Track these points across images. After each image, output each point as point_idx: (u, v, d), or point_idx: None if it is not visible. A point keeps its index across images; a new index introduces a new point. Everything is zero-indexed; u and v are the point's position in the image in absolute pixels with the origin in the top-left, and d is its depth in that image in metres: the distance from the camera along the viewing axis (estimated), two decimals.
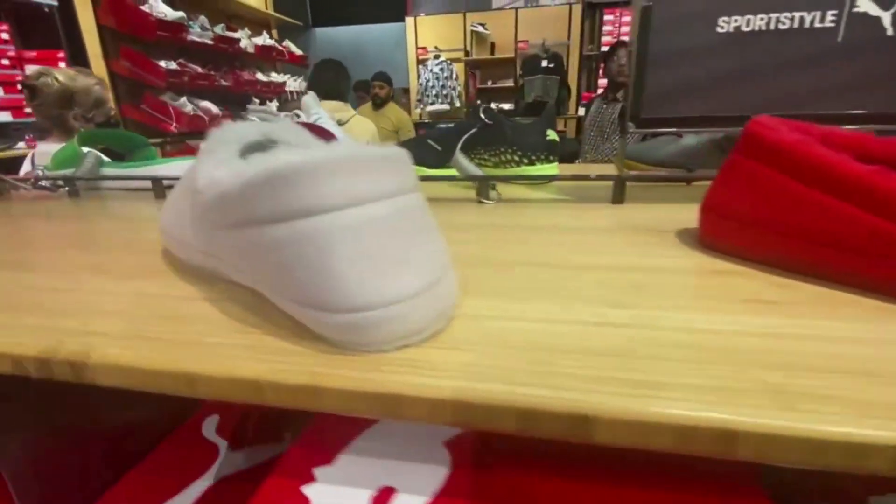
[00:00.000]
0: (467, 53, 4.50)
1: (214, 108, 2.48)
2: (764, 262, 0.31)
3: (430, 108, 4.43)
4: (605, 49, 4.32)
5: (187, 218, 0.27)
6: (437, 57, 4.36)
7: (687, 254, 0.33)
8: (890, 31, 0.40)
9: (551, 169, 0.63)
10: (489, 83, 4.55)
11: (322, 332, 0.21)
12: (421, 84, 4.46)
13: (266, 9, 3.36)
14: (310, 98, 0.76)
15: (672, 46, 0.44)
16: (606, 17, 4.37)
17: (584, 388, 0.18)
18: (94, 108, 1.30)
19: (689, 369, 0.19)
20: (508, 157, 0.63)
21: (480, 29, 4.41)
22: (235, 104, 2.76)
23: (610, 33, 4.40)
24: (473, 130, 0.64)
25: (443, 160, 0.68)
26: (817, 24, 0.41)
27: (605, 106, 2.27)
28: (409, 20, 4.51)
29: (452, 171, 0.67)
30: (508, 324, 0.23)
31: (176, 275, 0.31)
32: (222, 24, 2.62)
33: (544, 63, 4.24)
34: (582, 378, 0.19)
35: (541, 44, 4.23)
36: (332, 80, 1.90)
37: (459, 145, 0.64)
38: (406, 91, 4.61)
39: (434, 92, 4.39)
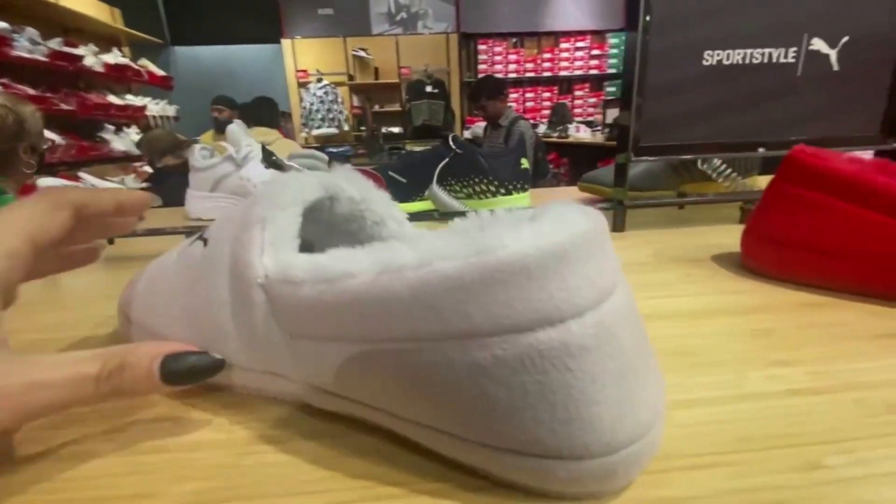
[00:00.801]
0: (351, 77, 4.43)
1: (56, 137, 2.04)
2: (807, 282, 0.32)
3: (316, 131, 4.25)
4: (485, 75, 4.61)
5: (231, 326, 0.18)
6: (319, 80, 4.22)
7: (760, 286, 0.33)
8: (836, 67, 0.46)
9: (524, 199, 0.61)
10: (376, 107, 4.53)
11: (544, 487, 0.14)
12: (304, 108, 4.26)
13: (115, 23, 2.91)
14: (236, 127, 0.64)
15: (665, 78, 0.45)
16: (480, 47, 4.68)
17: None
18: (40, 139, 1.03)
19: None
20: (483, 187, 0.60)
21: (362, 54, 4.38)
22: (83, 131, 2.32)
23: (484, 62, 4.71)
24: (446, 160, 0.59)
25: (409, 194, 0.61)
26: (782, 60, 0.46)
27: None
28: (286, 42, 4.30)
29: (424, 206, 0.61)
30: (707, 411, 0.19)
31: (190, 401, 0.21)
32: (59, 39, 2.19)
33: (428, 88, 4.37)
34: None
35: (423, 70, 4.36)
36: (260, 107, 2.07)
37: (435, 178, 0.59)
38: (287, 114, 4.36)
39: (320, 115, 4.23)
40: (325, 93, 4.21)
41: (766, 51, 0.45)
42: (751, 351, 0.24)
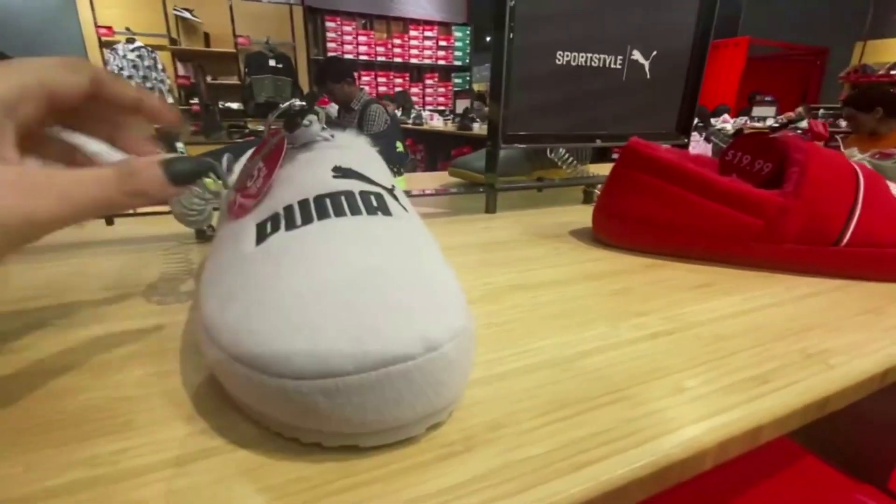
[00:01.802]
0: (174, 41, 3.80)
1: None
2: (645, 249, 0.40)
3: None
4: (331, 55, 4.42)
5: None
6: (130, 41, 3.52)
7: (612, 255, 0.39)
8: (649, 76, 0.57)
9: (401, 182, 0.62)
10: (209, 79, 3.98)
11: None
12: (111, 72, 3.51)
13: None
14: None
15: (526, 73, 0.49)
16: (328, 24, 4.46)
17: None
18: None
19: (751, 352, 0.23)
20: None
21: (187, 15, 3.79)
22: None
23: (333, 40, 4.52)
24: None
25: None
26: (612, 66, 0.54)
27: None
28: None
29: None
30: (598, 358, 0.23)
31: None
32: None
33: (272, 62, 4.02)
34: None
35: (265, 41, 3.98)
36: None
37: None
38: None
39: (134, 83, 3.53)
40: (140, 56, 3.54)
41: (602, 56, 0.53)
42: (615, 307, 0.28)
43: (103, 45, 3.56)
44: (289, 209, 0.21)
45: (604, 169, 0.70)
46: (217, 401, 0.19)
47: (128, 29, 3.54)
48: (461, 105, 3.45)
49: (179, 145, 2.07)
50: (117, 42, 3.52)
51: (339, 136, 0.28)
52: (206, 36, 3.93)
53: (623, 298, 0.30)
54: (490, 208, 0.53)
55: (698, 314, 0.28)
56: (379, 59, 4.69)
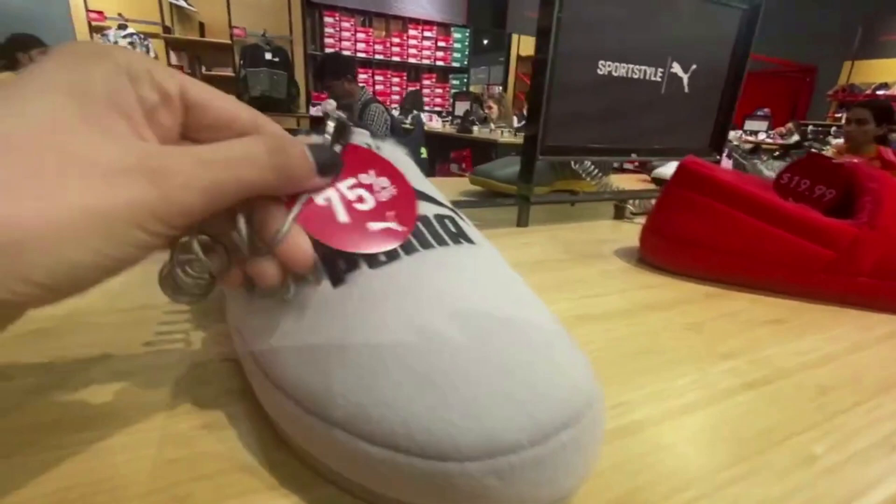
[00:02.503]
0: (167, 30, 3.71)
1: None
2: (698, 275, 0.37)
3: None
4: (328, 51, 4.36)
5: None
6: (122, 27, 3.42)
7: (667, 280, 0.37)
8: (687, 90, 0.55)
9: None
10: (203, 70, 3.89)
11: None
12: None
13: None
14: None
15: (567, 81, 0.47)
16: (327, 20, 4.40)
17: None
18: None
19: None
20: None
21: (182, 3, 3.70)
22: None
23: (332, 36, 4.46)
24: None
25: None
26: (652, 78, 0.52)
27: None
28: None
29: None
30: (703, 415, 0.20)
31: None
32: None
33: (268, 56, 3.94)
34: None
35: (261, 34, 3.91)
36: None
37: None
38: None
39: None
40: (132, 44, 3.44)
41: (643, 68, 0.51)
42: (695, 347, 0.26)
43: (93, 29, 3.45)
44: None
45: (620, 181, 0.68)
46: (297, 467, 0.16)
47: (120, 15, 3.44)
48: (461, 107, 3.42)
49: None
50: (108, 28, 3.42)
51: (383, 146, 0.25)
52: (201, 26, 3.84)
53: (699, 336, 0.27)
54: (522, 222, 0.51)
55: (785, 357, 0.25)
56: (377, 57, 4.64)
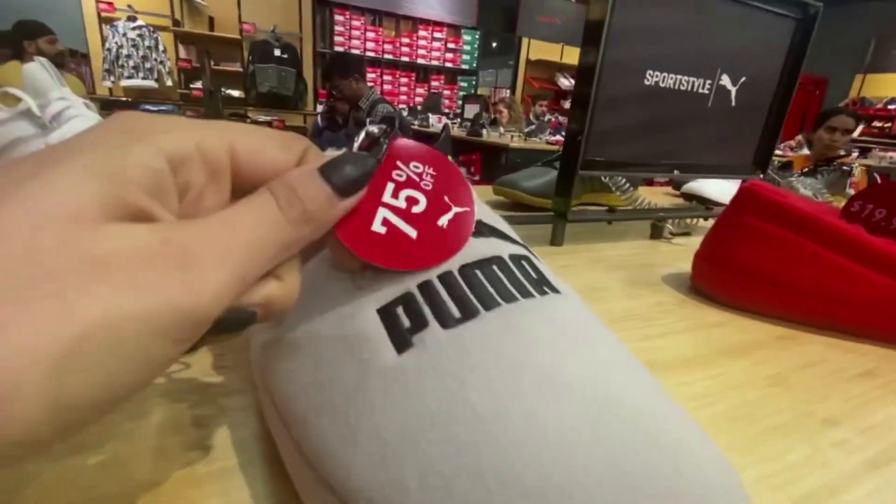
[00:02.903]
0: (177, 23, 3.68)
1: None
2: (762, 311, 0.34)
3: (126, 82, 3.43)
4: (337, 49, 4.33)
5: None
6: (132, 19, 3.39)
7: (729, 317, 0.33)
8: (734, 103, 0.51)
9: None
10: (211, 64, 3.86)
11: None
12: (109, 50, 3.39)
13: None
14: (39, 67, 0.42)
15: (613, 91, 0.43)
16: (337, 17, 4.37)
17: None
18: None
19: None
20: None
21: None
22: None
23: (341, 34, 4.44)
24: None
25: None
26: (700, 90, 0.49)
27: None
28: None
29: None
30: None
31: None
32: None
33: (277, 52, 3.92)
34: None
35: (271, 31, 3.88)
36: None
37: None
38: (80, 55, 3.42)
39: (132, 63, 3.41)
40: (141, 35, 3.41)
41: (691, 79, 0.47)
42: (792, 409, 0.23)
43: (103, 20, 3.43)
44: (427, 287, 0.15)
45: (647, 195, 0.65)
46: None
47: (129, 6, 3.41)
48: (470, 110, 3.38)
49: None
50: (117, 19, 3.39)
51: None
52: (211, 20, 3.82)
53: (787, 393, 0.24)
54: (557, 240, 0.47)
55: (893, 427, 0.22)
56: (386, 56, 4.61)
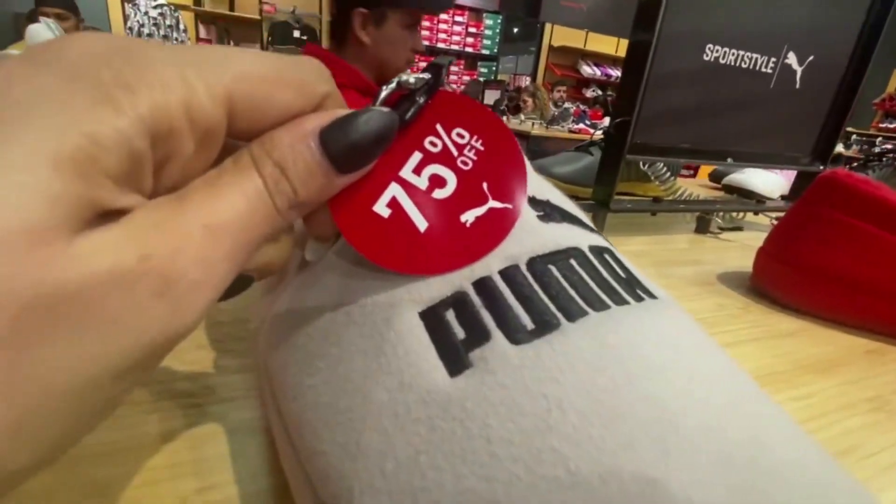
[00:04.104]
0: (198, 2, 3.66)
1: None
2: (837, 318, 0.30)
3: None
4: None
5: None
6: None
7: (803, 324, 0.29)
8: (798, 85, 0.46)
9: None
10: (231, 44, 3.85)
11: None
12: (130, 29, 3.39)
13: None
14: (44, 28, 0.39)
15: (670, 68, 0.39)
16: None
17: None
18: None
19: None
20: None
21: None
22: None
23: None
24: None
25: None
26: (763, 69, 0.44)
27: None
28: None
29: None
30: None
31: None
32: None
33: (297, 33, 3.89)
34: None
35: (291, 11, 3.85)
36: None
37: None
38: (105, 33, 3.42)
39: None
40: (162, 14, 3.40)
41: (755, 56, 0.42)
42: (891, 436, 0.19)
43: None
44: (485, 286, 0.11)
45: (689, 186, 0.60)
46: None
47: None
48: (491, 96, 3.31)
49: None
50: None
51: None
52: (231, 0, 3.79)
53: (892, 421, 0.20)
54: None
55: None
56: None
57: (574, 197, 0.47)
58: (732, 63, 0.42)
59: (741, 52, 0.42)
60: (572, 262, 0.12)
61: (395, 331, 0.11)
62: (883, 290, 0.28)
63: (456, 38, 4.74)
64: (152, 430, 0.15)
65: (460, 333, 0.11)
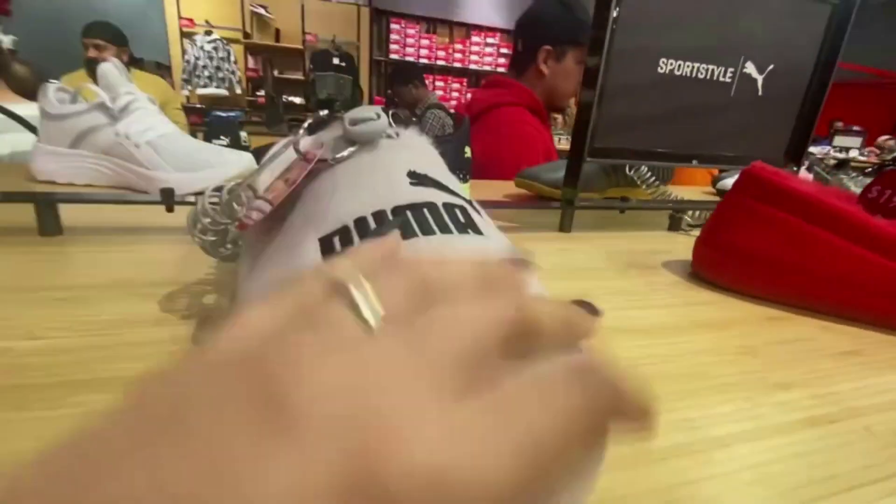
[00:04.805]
0: (247, 35, 3.98)
1: None
2: (758, 295, 0.33)
3: (201, 90, 3.75)
4: (392, 57, 4.48)
5: None
6: (208, 33, 3.71)
7: (720, 298, 0.33)
8: (761, 92, 0.50)
9: (465, 189, 0.58)
10: (275, 73, 4.13)
11: None
12: (188, 62, 3.72)
13: None
14: (111, 66, 0.49)
15: (623, 80, 0.44)
16: (393, 26, 4.53)
17: None
18: None
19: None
20: None
21: (262, 11, 3.95)
22: None
23: (396, 42, 4.58)
24: None
25: None
26: (721, 79, 0.48)
27: None
28: None
29: None
30: (745, 449, 0.17)
31: None
32: None
33: (336, 60, 4.11)
34: None
35: (331, 40, 4.09)
36: None
37: None
38: (164, 67, 3.78)
39: (207, 73, 3.73)
40: (215, 48, 3.72)
41: (710, 67, 0.47)
42: (746, 373, 0.23)
43: (184, 35, 3.77)
44: (361, 223, 0.18)
45: (680, 192, 0.63)
46: None
47: (207, 22, 3.73)
48: None
49: (243, 135, 2.13)
50: (196, 33, 3.72)
51: (404, 134, 0.23)
52: (277, 32, 4.09)
53: (752, 360, 0.24)
54: (565, 227, 0.48)
55: (857, 396, 0.22)
56: (439, 62, 4.70)
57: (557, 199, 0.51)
58: (689, 74, 0.46)
59: (695, 64, 0.46)
60: (424, 210, 0.18)
61: (299, 249, 0.17)
62: (793, 266, 0.32)
63: (488, 58, 4.86)
64: None
65: (339, 249, 0.17)
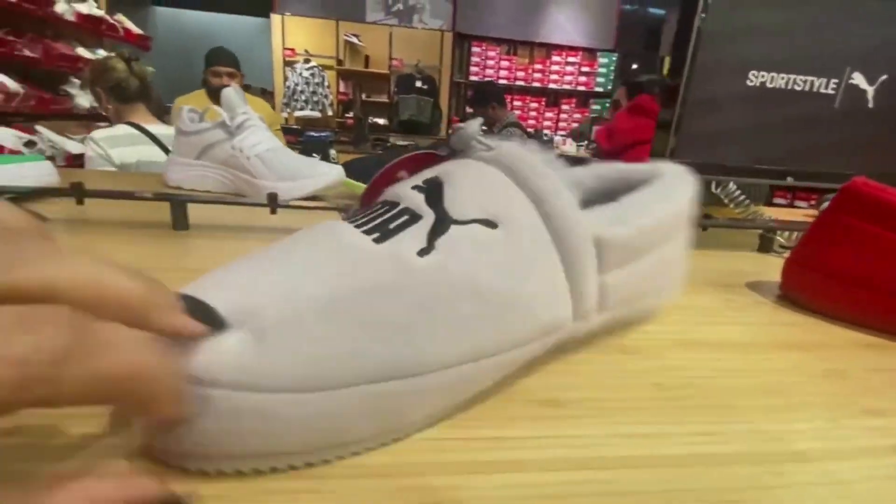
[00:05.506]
0: (340, 62, 4.32)
1: (11, 84, 1.88)
2: (856, 320, 0.30)
3: (298, 113, 4.12)
4: (472, 79, 4.61)
5: None
6: (307, 61, 4.09)
7: (811, 321, 0.31)
8: (871, 104, 0.46)
9: None
10: (363, 96, 4.43)
11: None
12: (288, 87, 4.12)
13: None
14: (233, 91, 0.58)
15: (708, 93, 0.43)
16: (474, 49, 4.66)
17: None
18: None
19: None
20: None
21: (354, 40, 4.28)
22: (46, 82, 2.14)
23: (477, 64, 4.71)
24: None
25: None
26: (822, 90, 0.45)
27: None
28: (276, 17, 4.14)
29: None
30: (816, 468, 0.17)
31: None
32: None
33: (418, 83, 4.32)
34: None
35: (415, 64, 4.31)
36: None
37: None
38: (268, 92, 4.21)
39: (304, 97, 4.09)
40: (312, 74, 4.08)
41: (809, 79, 0.44)
42: (833, 394, 0.21)
43: (286, 64, 4.19)
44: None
45: (777, 213, 0.59)
46: None
47: (306, 51, 4.12)
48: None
49: (332, 152, 2.29)
50: (296, 62, 4.11)
51: (505, 146, 0.23)
52: (367, 58, 4.39)
53: (841, 384, 0.22)
54: None
55: None
56: (518, 83, 4.75)
57: None
58: (783, 86, 0.44)
59: (792, 76, 0.44)
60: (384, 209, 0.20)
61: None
62: (891, 289, 0.29)
63: (568, 77, 4.82)
64: None
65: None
